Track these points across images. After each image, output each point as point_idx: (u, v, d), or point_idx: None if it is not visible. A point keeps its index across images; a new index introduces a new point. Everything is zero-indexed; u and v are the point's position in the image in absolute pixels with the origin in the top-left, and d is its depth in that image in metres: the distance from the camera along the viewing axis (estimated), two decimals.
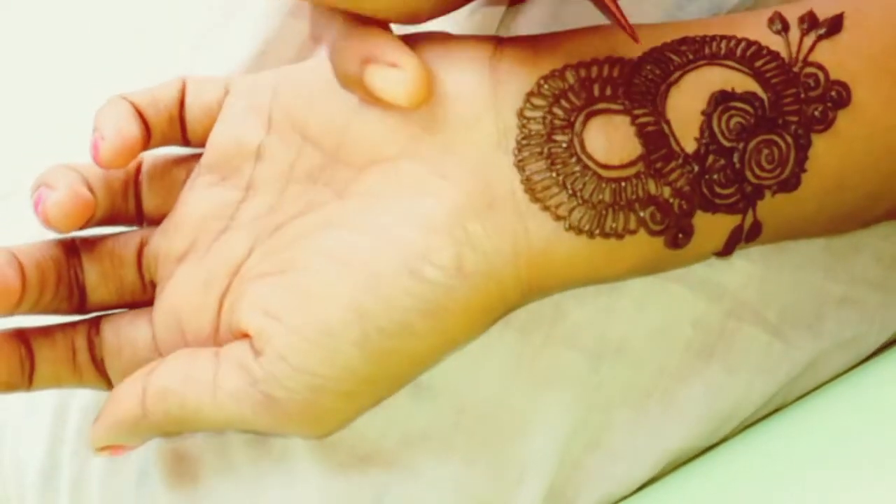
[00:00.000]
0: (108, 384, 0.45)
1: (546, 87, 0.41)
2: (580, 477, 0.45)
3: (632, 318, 0.45)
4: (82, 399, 0.47)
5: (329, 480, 0.45)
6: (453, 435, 0.44)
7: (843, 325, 0.46)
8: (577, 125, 0.40)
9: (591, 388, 0.45)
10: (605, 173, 0.40)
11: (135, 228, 0.46)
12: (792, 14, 0.41)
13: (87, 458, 0.47)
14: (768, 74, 0.41)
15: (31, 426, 0.48)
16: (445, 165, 0.40)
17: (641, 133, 0.40)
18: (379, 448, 0.44)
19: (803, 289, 0.46)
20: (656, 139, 0.40)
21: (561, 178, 0.40)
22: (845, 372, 0.47)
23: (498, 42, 0.42)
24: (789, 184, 0.41)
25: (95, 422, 0.43)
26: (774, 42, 0.41)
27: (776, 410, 0.47)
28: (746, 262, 0.45)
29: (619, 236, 0.40)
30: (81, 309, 0.45)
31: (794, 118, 0.41)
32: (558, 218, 0.40)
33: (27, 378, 0.44)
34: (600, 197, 0.40)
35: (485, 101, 0.40)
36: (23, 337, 0.44)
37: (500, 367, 0.44)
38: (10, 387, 0.44)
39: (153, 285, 0.45)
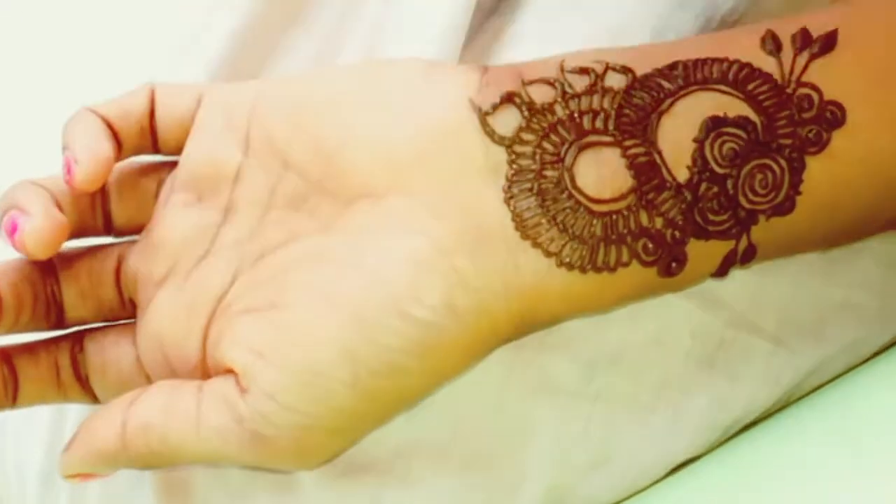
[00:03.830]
0: (94, 400, 0.45)
1: (535, 120, 0.40)
2: (584, 489, 0.45)
3: (626, 328, 0.44)
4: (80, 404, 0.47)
5: (323, 490, 0.45)
6: (448, 444, 0.44)
7: (844, 330, 0.46)
8: (568, 159, 0.39)
9: (589, 397, 0.45)
10: (596, 208, 0.39)
11: (110, 241, 0.45)
12: (784, 32, 0.40)
13: None
14: (761, 97, 0.40)
15: (30, 428, 0.48)
16: (435, 202, 0.40)
17: (633, 165, 0.39)
18: (374, 457, 0.45)
19: (803, 295, 0.45)
20: (648, 170, 0.39)
21: (552, 214, 0.39)
22: (845, 373, 0.47)
23: (485, 71, 0.41)
24: (783, 207, 0.40)
25: (67, 450, 0.42)
26: (767, 63, 0.40)
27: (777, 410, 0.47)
28: (744, 271, 0.44)
29: (612, 270, 0.40)
30: (59, 326, 0.45)
31: (788, 141, 0.40)
32: (549, 254, 0.39)
33: (11, 396, 0.44)
34: (592, 232, 0.39)
35: (473, 135, 0.40)
36: (5, 356, 0.44)
37: (495, 375, 0.44)
38: None
39: (132, 302, 0.44)
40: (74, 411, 0.48)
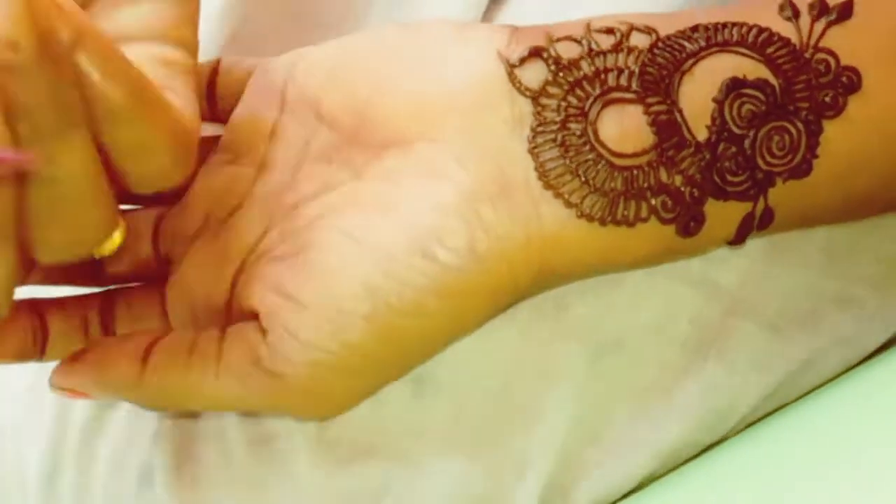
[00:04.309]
0: None
1: (561, 75, 0.40)
2: (578, 470, 0.45)
3: (630, 314, 0.45)
4: (83, 403, 0.47)
5: (330, 476, 0.45)
6: (454, 429, 0.44)
7: (840, 324, 0.46)
8: (592, 114, 0.40)
9: (593, 382, 0.45)
10: (617, 161, 0.40)
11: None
12: (802, 0, 0.41)
13: (89, 458, 0.47)
14: (780, 61, 0.41)
15: (33, 427, 0.48)
16: (461, 149, 0.40)
17: (654, 122, 0.40)
18: (380, 443, 0.44)
19: (801, 287, 0.46)
20: (669, 128, 0.40)
21: (574, 165, 0.40)
22: (845, 371, 0.47)
23: (514, 30, 0.42)
24: (800, 170, 0.41)
25: (70, 364, 0.42)
26: (785, 28, 0.41)
27: (776, 409, 0.47)
28: (745, 260, 0.45)
29: (631, 224, 0.40)
30: (95, 281, 0.45)
31: (805, 104, 0.41)
32: (570, 205, 0.40)
33: (39, 348, 0.44)
34: (612, 185, 0.40)
35: (501, 87, 0.41)
36: (36, 308, 0.44)
37: (502, 361, 0.44)
38: (22, 356, 0.44)
39: (168, 261, 0.45)
40: (78, 412, 0.48)
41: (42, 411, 0.48)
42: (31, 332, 0.44)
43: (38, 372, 0.48)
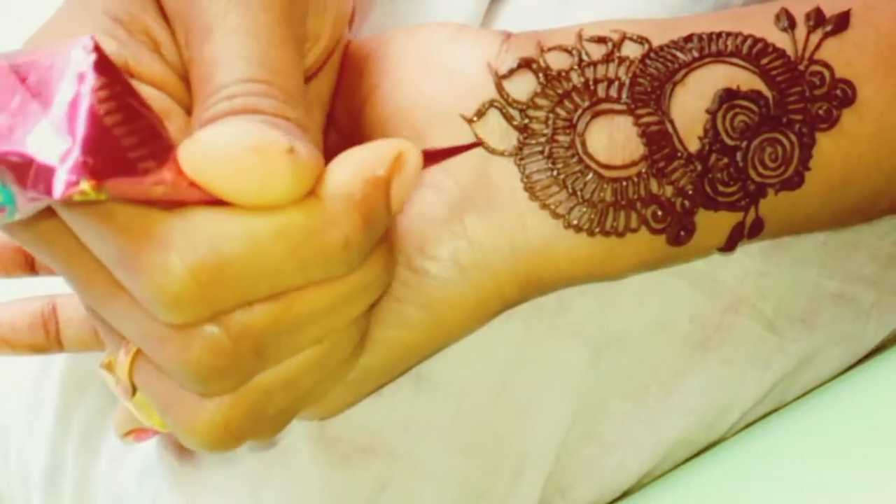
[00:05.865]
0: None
1: (550, 86, 0.40)
2: (575, 467, 0.46)
3: (632, 311, 0.45)
4: (86, 401, 0.48)
5: (330, 472, 0.45)
6: (454, 426, 0.45)
7: (837, 321, 0.46)
8: (580, 126, 0.40)
9: (592, 379, 0.45)
10: (606, 173, 0.40)
11: None
12: (799, 10, 0.41)
13: (90, 458, 0.48)
14: (774, 72, 0.41)
15: (35, 427, 0.49)
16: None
17: (645, 133, 0.40)
18: (380, 440, 0.45)
19: (799, 285, 0.46)
20: (659, 139, 0.40)
21: (561, 177, 0.40)
22: (845, 371, 0.47)
23: (506, 37, 0.42)
24: (792, 182, 0.41)
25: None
26: (780, 39, 0.41)
27: (776, 407, 0.47)
28: (745, 257, 0.45)
29: (620, 234, 0.40)
30: None
31: (799, 117, 0.40)
32: (557, 216, 0.40)
33: (55, 341, 0.46)
34: (601, 196, 0.40)
35: (490, 97, 0.41)
36: (49, 301, 0.46)
37: (503, 358, 0.45)
38: (38, 349, 0.46)
39: None
40: (79, 412, 0.49)
41: (44, 409, 0.49)
42: (43, 326, 0.45)
43: (40, 369, 0.49)
